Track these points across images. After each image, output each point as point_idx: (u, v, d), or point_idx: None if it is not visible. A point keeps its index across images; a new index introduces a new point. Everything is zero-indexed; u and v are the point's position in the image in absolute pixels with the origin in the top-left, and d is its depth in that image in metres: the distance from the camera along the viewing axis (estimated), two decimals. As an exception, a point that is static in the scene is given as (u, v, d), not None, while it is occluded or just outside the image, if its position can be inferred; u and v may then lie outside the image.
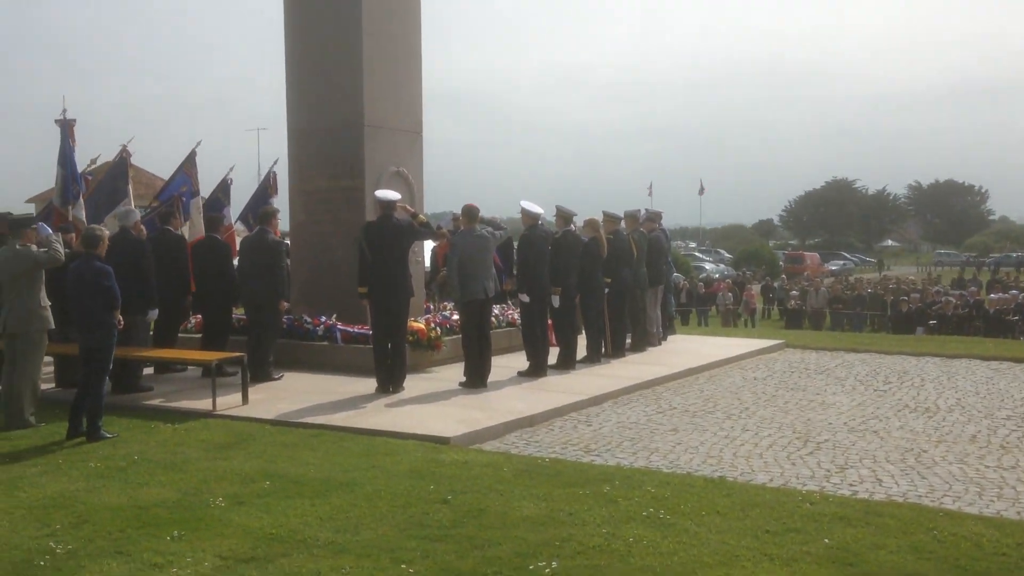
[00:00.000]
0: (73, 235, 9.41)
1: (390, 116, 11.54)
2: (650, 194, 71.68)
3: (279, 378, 9.86)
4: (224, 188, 12.83)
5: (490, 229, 9.70)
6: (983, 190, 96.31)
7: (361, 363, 10.22)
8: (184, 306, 10.43)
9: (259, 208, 12.95)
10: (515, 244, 11.28)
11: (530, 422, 8.11)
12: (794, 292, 24.93)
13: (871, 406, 8.82)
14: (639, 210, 12.74)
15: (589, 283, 10.83)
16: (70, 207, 9.93)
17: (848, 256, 68.55)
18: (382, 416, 8.11)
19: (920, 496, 5.83)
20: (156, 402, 8.91)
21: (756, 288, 31.50)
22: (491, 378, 9.54)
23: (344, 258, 10.82)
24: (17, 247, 7.83)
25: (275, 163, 13.20)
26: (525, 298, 10.05)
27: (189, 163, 12.01)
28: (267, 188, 13.19)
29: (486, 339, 9.56)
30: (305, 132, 11.58)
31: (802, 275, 37.44)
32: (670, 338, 13.22)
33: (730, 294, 28.08)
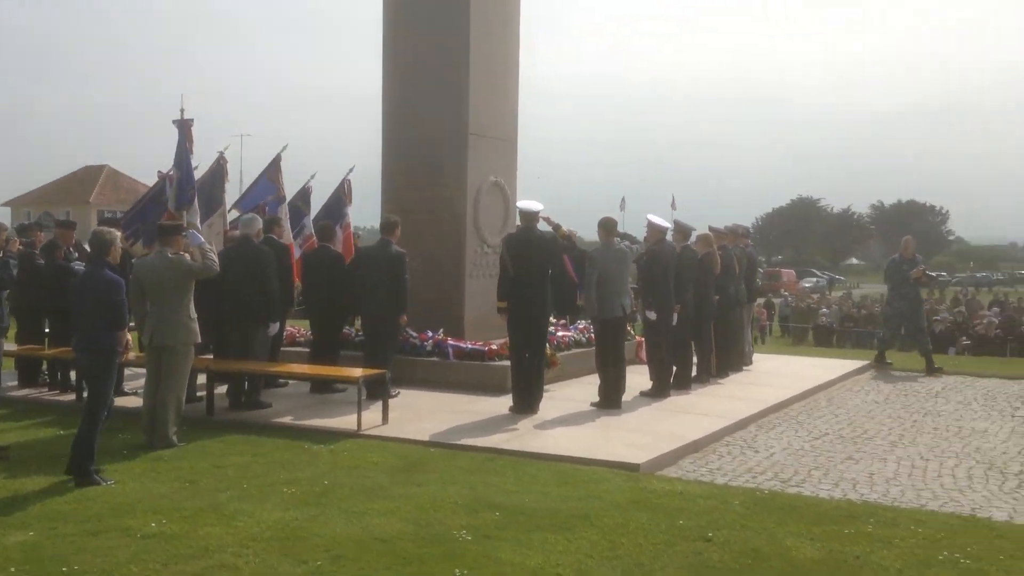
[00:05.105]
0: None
1: (491, 124, 11.20)
2: (622, 208, 71.40)
3: (396, 395, 9.39)
4: (304, 196, 12.32)
5: (627, 243, 9.38)
6: (944, 211, 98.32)
7: (473, 380, 9.88)
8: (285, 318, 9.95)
9: (334, 216, 12.51)
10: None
11: (695, 447, 7.81)
12: (824, 310, 24.88)
13: None
14: (739, 225, 12.51)
15: (703, 299, 10.56)
16: (184, 212, 9.40)
17: (818, 273, 69.48)
18: (544, 439, 7.74)
19: None
20: (286, 420, 8.43)
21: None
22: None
23: (437, 270, 10.64)
24: (169, 255, 7.32)
25: (350, 171, 12.71)
26: (652, 316, 9.72)
27: (273, 168, 11.48)
28: (342, 196, 12.67)
29: (620, 358, 9.24)
30: (402, 141, 11.19)
31: (778, 291, 38.85)
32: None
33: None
